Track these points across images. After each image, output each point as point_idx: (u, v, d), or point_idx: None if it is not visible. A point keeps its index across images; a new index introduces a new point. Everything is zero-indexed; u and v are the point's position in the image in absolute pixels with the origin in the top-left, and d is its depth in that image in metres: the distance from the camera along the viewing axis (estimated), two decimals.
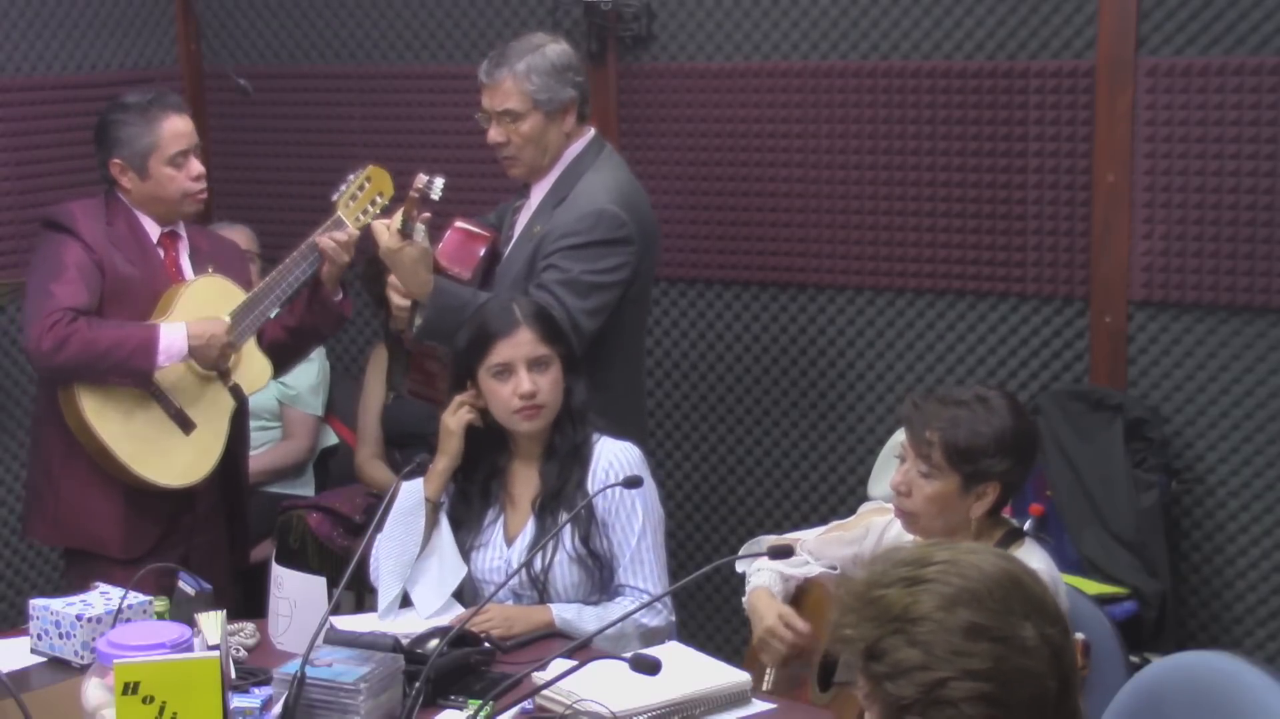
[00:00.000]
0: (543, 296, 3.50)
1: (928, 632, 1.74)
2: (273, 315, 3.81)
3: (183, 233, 3.82)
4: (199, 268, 3.80)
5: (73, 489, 3.71)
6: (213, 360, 3.69)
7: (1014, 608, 1.77)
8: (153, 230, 3.76)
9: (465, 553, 3.28)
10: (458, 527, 3.31)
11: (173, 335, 3.62)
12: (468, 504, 3.32)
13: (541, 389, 3.22)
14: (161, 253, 3.77)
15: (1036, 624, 1.77)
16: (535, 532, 3.23)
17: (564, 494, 3.22)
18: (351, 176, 3.83)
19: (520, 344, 3.23)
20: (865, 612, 1.79)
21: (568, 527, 3.20)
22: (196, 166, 3.75)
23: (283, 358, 3.99)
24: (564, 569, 3.22)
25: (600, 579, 3.24)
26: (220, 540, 3.93)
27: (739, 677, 2.87)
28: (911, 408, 2.96)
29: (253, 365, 3.80)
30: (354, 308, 5.02)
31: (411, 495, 3.25)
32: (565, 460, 3.25)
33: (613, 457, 3.27)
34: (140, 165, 3.70)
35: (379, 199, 3.82)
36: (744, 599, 3.21)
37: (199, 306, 3.70)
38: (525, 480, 3.31)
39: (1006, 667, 1.74)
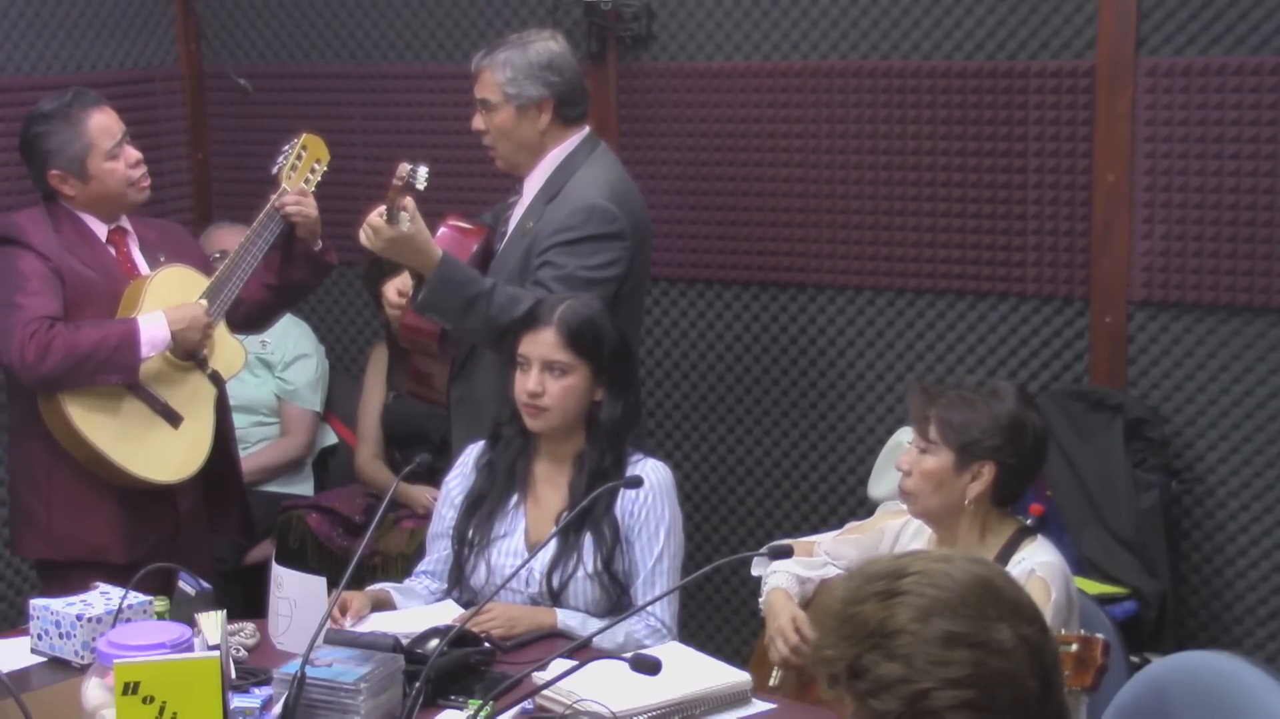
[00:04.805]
0: (542, 294, 3.51)
1: (905, 644, 1.76)
2: (236, 295, 3.75)
3: (129, 227, 3.78)
4: (151, 259, 3.76)
5: (65, 500, 3.66)
6: (195, 343, 3.65)
7: (988, 612, 1.78)
8: (100, 230, 3.71)
9: (485, 542, 3.27)
10: (480, 500, 3.31)
11: (153, 325, 3.58)
12: (493, 477, 3.32)
13: (548, 392, 3.22)
14: (113, 251, 3.73)
15: (1012, 625, 1.78)
16: (558, 544, 3.20)
17: (592, 512, 3.18)
18: (287, 148, 3.84)
19: (540, 343, 3.24)
20: (843, 630, 1.81)
21: (590, 545, 3.19)
22: (133, 154, 3.71)
23: (266, 314, 3.99)
24: (581, 586, 3.20)
25: (617, 603, 3.22)
26: (205, 541, 3.91)
27: (739, 677, 2.87)
28: (920, 390, 3.02)
29: (226, 349, 3.78)
30: (353, 306, 5.06)
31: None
32: (594, 477, 3.22)
33: (643, 475, 3.22)
34: (79, 169, 3.65)
35: (318, 166, 3.86)
36: (761, 600, 3.21)
37: (165, 298, 3.66)
38: (553, 487, 3.29)
39: (986, 671, 1.75)
